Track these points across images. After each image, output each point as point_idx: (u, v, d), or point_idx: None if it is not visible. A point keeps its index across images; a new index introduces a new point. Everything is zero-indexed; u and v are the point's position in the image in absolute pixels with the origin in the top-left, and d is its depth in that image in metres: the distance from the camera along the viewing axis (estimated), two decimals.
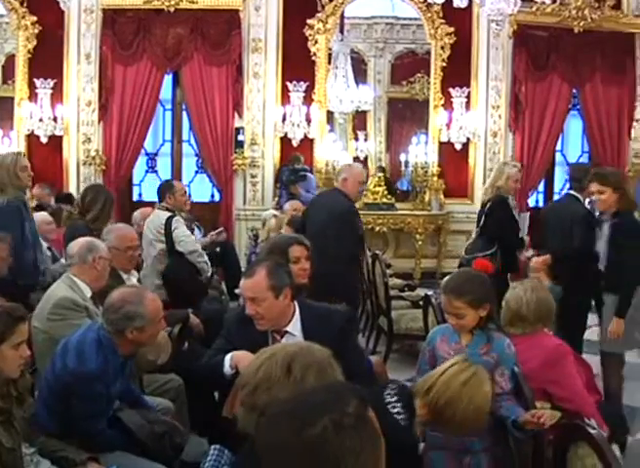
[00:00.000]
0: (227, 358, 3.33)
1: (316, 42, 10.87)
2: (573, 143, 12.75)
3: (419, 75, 12.18)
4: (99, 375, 3.29)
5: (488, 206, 6.55)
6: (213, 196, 11.50)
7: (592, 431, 2.58)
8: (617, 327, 5.14)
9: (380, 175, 11.67)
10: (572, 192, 5.94)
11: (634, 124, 11.78)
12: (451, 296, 3.38)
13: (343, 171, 6.07)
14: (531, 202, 12.01)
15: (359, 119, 12.46)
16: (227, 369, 3.30)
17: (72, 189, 10.43)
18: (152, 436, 3.53)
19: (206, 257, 6.51)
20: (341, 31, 11.65)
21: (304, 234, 5.95)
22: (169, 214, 6.53)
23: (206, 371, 3.54)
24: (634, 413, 5.63)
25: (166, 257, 6.50)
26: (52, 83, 10.38)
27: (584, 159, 12.51)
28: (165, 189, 6.81)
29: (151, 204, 7.92)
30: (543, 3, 10.29)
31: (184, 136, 11.50)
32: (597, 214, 5.49)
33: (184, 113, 11.22)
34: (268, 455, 1.47)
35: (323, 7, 10.83)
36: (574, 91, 11.66)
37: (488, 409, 2.81)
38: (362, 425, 1.47)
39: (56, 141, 10.44)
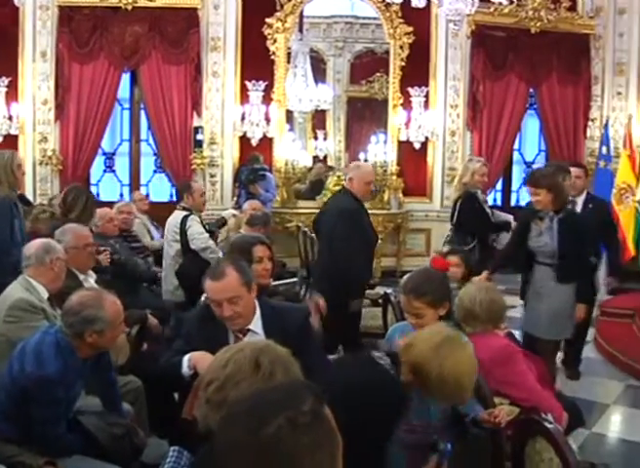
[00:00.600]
0: (185, 358, 3.31)
1: (275, 41, 10.84)
2: (530, 142, 12.88)
3: (378, 74, 12.18)
4: (58, 379, 3.25)
5: (459, 202, 6.78)
6: (172, 196, 11.39)
7: (549, 426, 2.61)
8: (582, 312, 5.39)
9: (339, 173, 11.68)
10: None
11: (590, 123, 11.97)
12: (410, 297, 3.39)
13: (351, 170, 6.17)
14: (489, 200, 12.09)
15: (318, 118, 12.45)
16: (185, 369, 3.29)
17: (28, 189, 10.26)
18: (111, 438, 3.50)
19: (220, 254, 6.53)
20: (301, 30, 11.64)
21: (318, 233, 6.36)
22: (185, 213, 6.61)
23: (164, 373, 3.52)
24: (591, 407, 5.74)
25: (181, 257, 6.56)
26: (6, 81, 10.19)
27: (542, 158, 12.65)
28: (183, 189, 7.02)
29: (109, 204, 7.85)
30: (501, 4, 10.40)
31: (143, 136, 11.36)
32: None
33: (142, 112, 11.10)
34: (225, 455, 1.47)
35: (282, 6, 10.81)
36: (531, 90, 11.80)
37: (471, 375, 2.81)
38: (318, 423, 1.47)
39: (11, 141, 10.22)
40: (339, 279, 5.70)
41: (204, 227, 6.77)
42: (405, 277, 3.56)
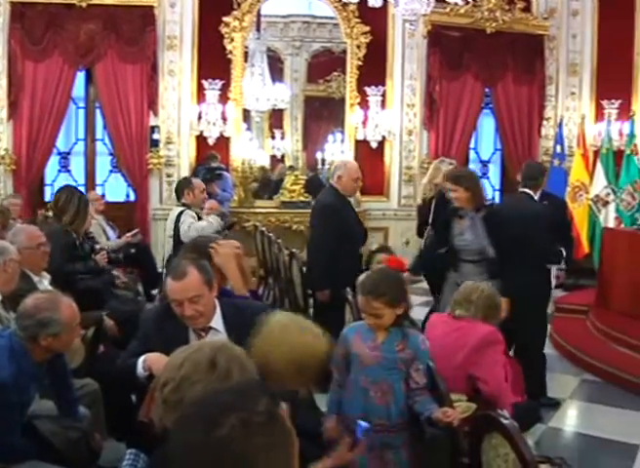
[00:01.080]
0: (140, 360, 3.29)
1: (232, 40, 10.81)
2: (486, 141, 13.03)
3: (335, 74, 12.19)
4: (11, 383, 3.19)
5: (434, 202, 6.77)
6: (128, 196, 11.29)
7: (505, 421, 2.64)
8: (506, 306, 5.45)
9: (297, 172, 11.68)
10: (525, 190, 6.10)
11: (544, 122, 12.18)
12: (369, 297, 3.40)
13: (339, 168, 6.29)
14: None
15: (276, 117, 12.42)
16: (140, 371, 3.26)
17: None
18: (67, 443, 3.46)
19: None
20: (258, 29, 11.61)
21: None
22: (182, 208, 6.61)
23: (119, 374, 3.49)
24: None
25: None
26: None
27: (497, 157, 12.82)
28: (183, 186, 7.01)
29: None
30: (456, 4, 10.48)
31: (98, 135, 11.22)
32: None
33: (98, 111, 10.98)
34: (179, 456, 1.46)
35: (239, 5, 10.78)
36: (486, 90, 11.93)
37: (305, 358, 2.78)
38: (272, 423, 1.47)
39: None
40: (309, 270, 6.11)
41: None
42: (361, 277, 3.56)
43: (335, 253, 5.97)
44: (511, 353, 5.29)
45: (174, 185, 10.53)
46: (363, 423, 2.82)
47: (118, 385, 3.86)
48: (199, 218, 6.85)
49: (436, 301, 6.25)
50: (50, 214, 6.26)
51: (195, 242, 4.54)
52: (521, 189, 6.20)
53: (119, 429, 4.15)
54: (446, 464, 3.37)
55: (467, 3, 11.11)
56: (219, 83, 10.67)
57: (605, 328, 7.62)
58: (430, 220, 6.88)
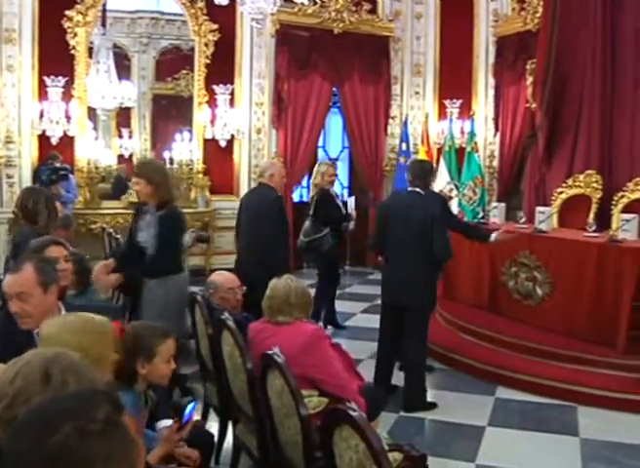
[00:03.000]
0: None
1: (75, 35, 10.45)
2: (334, 139, 13.27)
3: (184, 72, 12.05)
4: None
5: (315, 199, 8.10)
6: None
7: (353, 414, 2.68)
8: None
9: None
10: (416, 189, 6.07)
11: (390, 121, 12.53)
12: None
13: (269, 168, 7.00)
14: (295, 196, 12.35)
15: (123, 116, 12.13)
16: None
17: None
18: None
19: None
20: (103, 24, 11.30)
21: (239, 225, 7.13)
22: None
23: None
24: (399, 391, 6.07)
25: None
26: None
27: (345, 154, 13.09)
28: None
29: None
30: (303, 4, 10.61)
31: None
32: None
33: None
34: (13, 465, 1.39)
35: None
36: (334, 89, 12.13)
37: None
38: (111, 431, 1.42)
39: None
40: (269, 260, 6.30)
41: None
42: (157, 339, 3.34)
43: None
44: None
45: (15, 187, 10.14)
46: (192, 403, 2.94)
47: None
48: None
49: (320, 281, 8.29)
50: (18, 215, 5.82)
51: (31, 246, 4.42)
52: (410, 188, 6.17)
53: None
54: None
55: (315, 3, 11.29)
56: (62, 80, 10.29)
57: (452, 317, 7.92)
58: (312, 213, 8.04)
